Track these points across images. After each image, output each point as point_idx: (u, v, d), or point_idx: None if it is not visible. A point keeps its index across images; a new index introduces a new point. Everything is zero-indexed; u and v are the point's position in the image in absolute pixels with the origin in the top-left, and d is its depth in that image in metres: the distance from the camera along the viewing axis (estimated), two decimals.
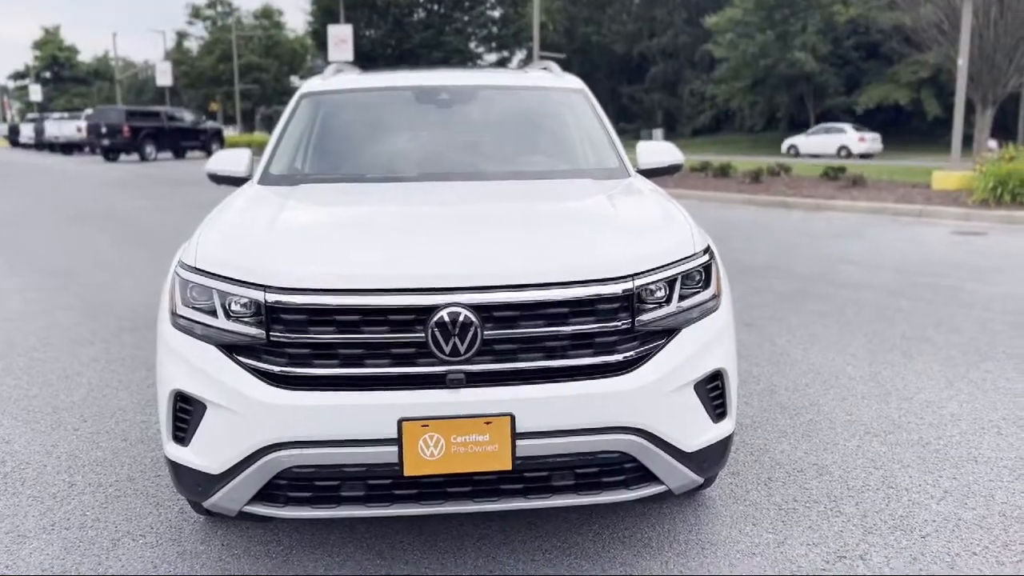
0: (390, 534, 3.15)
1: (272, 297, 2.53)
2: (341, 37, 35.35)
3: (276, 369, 2.53)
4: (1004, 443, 3.93)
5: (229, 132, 45.25)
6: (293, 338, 2.52)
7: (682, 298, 2.73)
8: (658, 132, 56.42)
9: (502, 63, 43.09)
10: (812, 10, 41.69)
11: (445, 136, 4.06)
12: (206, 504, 2.72)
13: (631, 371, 2.59)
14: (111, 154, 34.39)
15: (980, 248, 10.16)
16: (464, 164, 3.83)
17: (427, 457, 2.48)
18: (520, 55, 45.42)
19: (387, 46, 37.65)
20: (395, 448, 2.47)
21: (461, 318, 2.48)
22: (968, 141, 24.60)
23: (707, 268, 2.85)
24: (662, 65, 64.51)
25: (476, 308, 2.49)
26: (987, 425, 4.16)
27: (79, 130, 39.55)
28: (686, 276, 2.76)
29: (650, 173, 4.03)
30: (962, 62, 15.09)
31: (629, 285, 2.60)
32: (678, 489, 2.74)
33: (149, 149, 34.43)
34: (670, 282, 2.70)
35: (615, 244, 2.74)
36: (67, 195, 18.64)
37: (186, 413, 2.70)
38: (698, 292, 2.79)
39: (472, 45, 41.08)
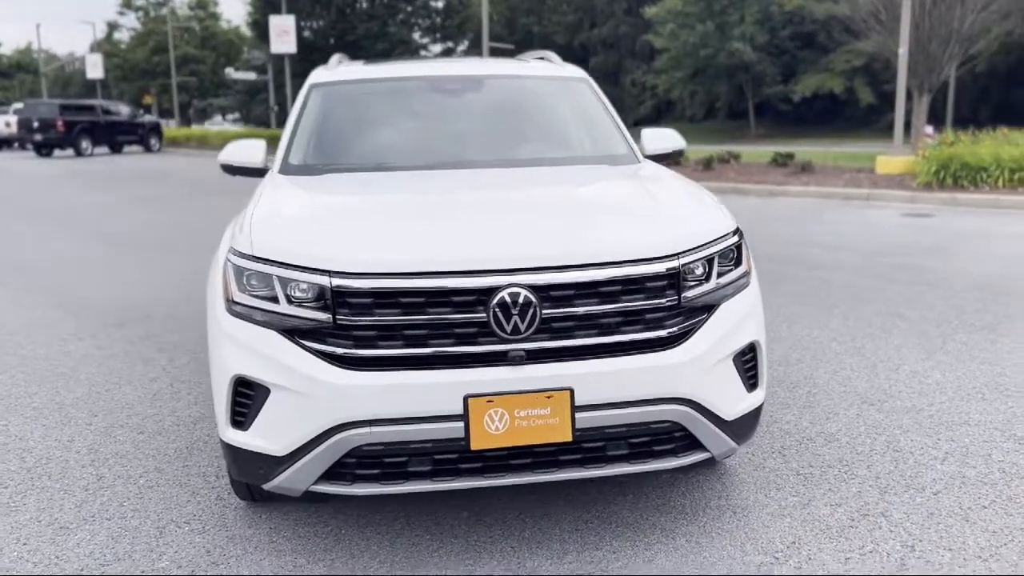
0: (436, 509, 3.25)
1: (337, 282, 2.61)
2: (283, 28, 34.85)
3: (342, 351, 2.61)
4: (990, 407, 4.20)
5: (168, 126, 44.19)
6: (359, 321, 2.61)
7: (719, 275, 2.89)
8: None
9: (447, 54, 43.02)
10: (750, 0, 42.45)
11: (460, 125, 4.15)
12: (268, 486, 2.78)
13: (678, 345, 2.74)
14: (44, 149, 33.28)
15: (930, 229, 10.62)
16: (483, 152, 3.93)
17: (492, 431, 2.59)
18: (463, 47, 45.40)
19: (330, 37, 37.23)
20: (461, 424, 2.58)
21: (521, 298, 2.59)
22: (906, 128, 25.52)
23: (739, 247, 3.02)
24: (603, 56, 64.93)
25: (534, 288, 2.61)
26: (971, 391, 4.43)
27: (8, 125, 38.16)
28: (722, 255, 2.92)
29: (655, 159, 4.19)
30: (902, 51, 15.65)
31: (675, 264, 2.75)
32: (719, 456, 2.90)
33: (85, 144, 33.43)
34: (709, 260, 2.86)
35: (659, 225, 2.88)
36: (7, 193, 18.08)
37: (246, 398, 2.76)
38: (732, 269, 2.96)
39: (416, 36, 40.91)
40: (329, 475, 2.67)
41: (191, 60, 58.67)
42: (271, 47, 35.36)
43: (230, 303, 2.81)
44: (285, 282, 2.69)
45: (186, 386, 4.85)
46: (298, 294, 2.67)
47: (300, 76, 38.60)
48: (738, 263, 3.00)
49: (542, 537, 3.04)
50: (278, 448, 2.70)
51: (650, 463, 2.77)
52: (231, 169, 4.05)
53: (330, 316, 2.62)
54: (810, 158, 18.06)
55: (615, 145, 4.09)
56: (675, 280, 2.75)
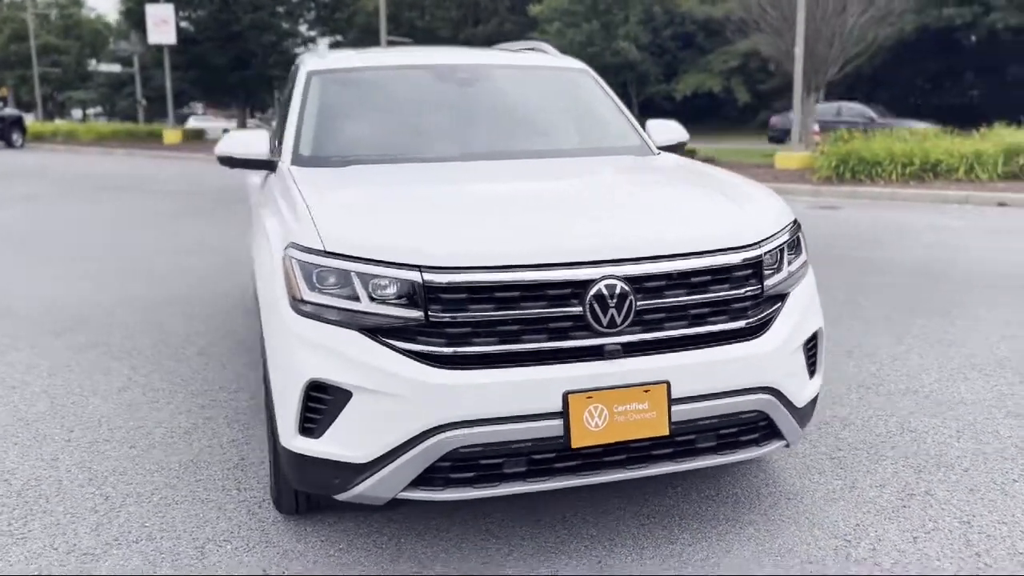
0: (488, 513, 3.14)
1: (430, 277, 2.47)
2: (162, 17, 33.16)
3: (436, 349, 2.48)
4: (976, 386, 4.43)
5: (30, 119, 41.27)
6: (452, 317, 2.48)
7: (788, 263, 2.91)
8: None
9: (337, 46, 42.05)
10: (634, 1, 43.49)
11: (475, 115, 4.03)
12: (345, 496, 2.62)
13: (762, 334, 2.74)
14: None
15: (846, 220, 11.15)
16: (506, 143, 3.83)
17: (592, 428, 2.52)
18: (351, 40, 44.41)
19: (213, 28, 35.63)
20: (560, 421, 2.50)
21: (617, 290, 2.53)
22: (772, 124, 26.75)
23: (800, 236, 3.05)
24: None
25: (629, 279, 2.55)
26: (953, 372, 4.66)
27: None
28: (789, 243, 2.94)
29: (665, 150, 4.19)
30: (798, 51, 16.39)
31: (758, 252, 2.75)
32: (792, 443, 2.92)
33: None
34: (781, 249, 2.87)
35: (739, 215, 2.88)
36: None
37: (320, 403, 2.58)
38: (796, 257, 2.99)
39: (303, 28, 39.77)
40: (419, 481, 2.53)
41: (53, 50, 55.07)
42: (148, 37, 33.59)
43: (297, 302, 2.62)
44: (366, 278, 2.52)
45: (164, 395, 4.52)
46: (381, 291, 2.51)
47: (181, 69, 36.95)
48: (799, 251, 3.03)
49: (611, 535, 2.99)
50: (359, 455, 2.54)
51: (736, 453, 2.77)
52: (231, 161, 3.78)
53: (422, 313, 2.48)
54: (713, 154, 18.64)
55: (630, 136, 4.08)
56: (758, 269, 2.76)
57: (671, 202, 3.02)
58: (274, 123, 5.63)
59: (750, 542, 2.92)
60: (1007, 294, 6.51)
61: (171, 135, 32.95)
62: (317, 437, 2.60)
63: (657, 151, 4.02)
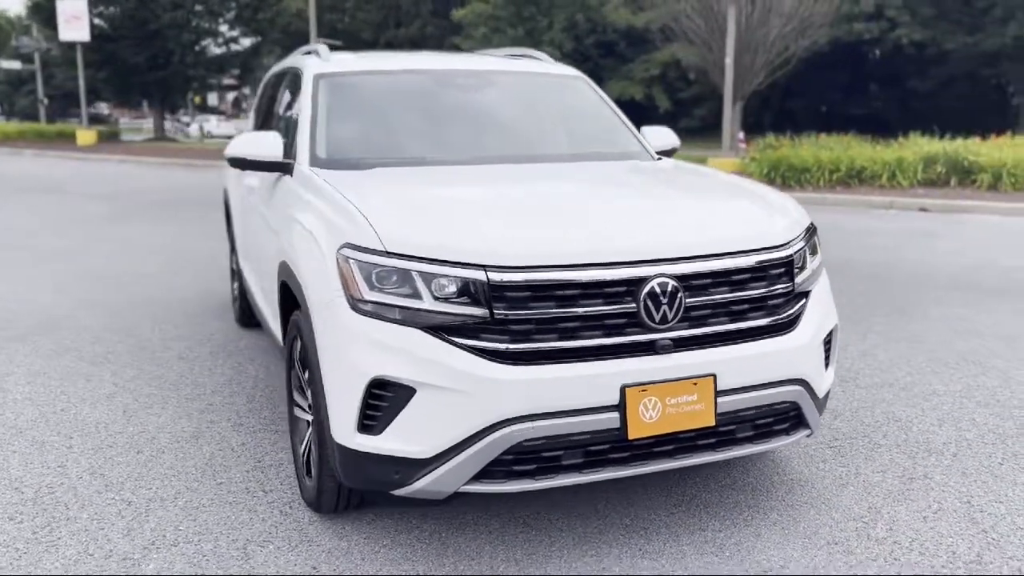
0: (527, 504, 3.22)
1: (495, 275, 2.55)
2: (74, 14, 31.96)
3: (500, 346, 2.55)
4: (944, 379, 4.74)
5: None
6: (516, 314, 2.56)
7: (810, 262, 3.10)
8: None
9: (257, 49, 41.09)
10: (557, 8, 44.05)
11: (482, 119, 4.11)
12: (404, 491, 2.67)
13: (792, 329, 2.92)
14: None
15: None
16: (515, 146, 3.93)
17: (647, 420, 2.64)
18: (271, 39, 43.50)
19: (129, 25, 34.37)
20: (616, 414, 2.61)
21: (669, 287, 2.66)
22: (707, 131, 27.51)
23: (816, 237, 3.24)
24: None
25: (678, 277, 2.69)
26: (922, 367, 4.97)
27: None
28: (809, 243, 3.12)
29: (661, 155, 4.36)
30: (729, 60, 16.97)
31: (789, 252, 2.93)
32: (815, 432, 3.10)
33: None
34: (804, 249, 3.06)
35: (766, 216, 3.05)
36: None
37: (381, 400, 2.62)
38: (816, 256, 3.17)
39: (224, 28, 38.76)
40: (481, 474, 2.60)
41: None
42: (59, 34, 32.33)
43: (356, 301, 2.66)
44: (428, 277, 2.59)
45: (157, 400, 4.44)
46: (443, 289, 2.58)
47: (93, 67, 35.48)
48: (816, 252, 3.22)
49: (644, 524, 3.11)
50: (422, 450, 2.59)
51: (769, 442, 2.93)
52: (242, 163, 3.76)
53: (487, 311, 2.55)
54: None
55: (631, 141, 4.23)
56: (789, 267, 2.93)
57: (706, 204, 3.16)
58: (244, 126, 5.59)
59: (776, 527, 3.08)
60: (951, 294, 6.93)
61: (85, 136, 31.73)
62: (377, 434, 2.65)
63: (657, 156, 4.18)
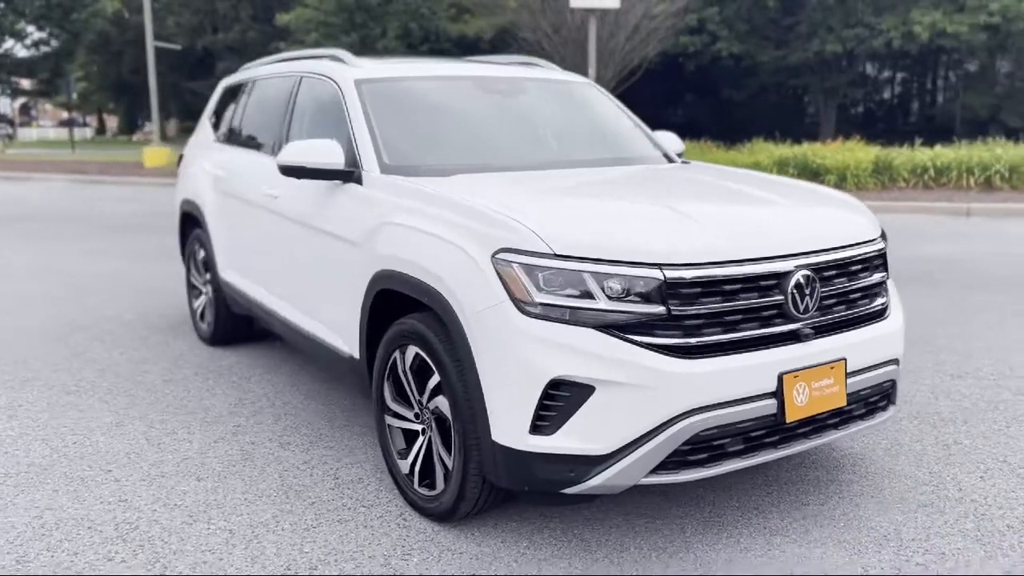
0: (638, 499, 3.33)
1: (671, 274, 2.66)
2: None
3: (675, 341, 2.67)
4: (913, 356, 5.26)
5: None
6: (688, 310, 2.69)
7: None
8: None
9: (70, 52, 38.01)
10: (390, 16, 43.87)
11: (525, 125, 4.18)
12: (577, 488, 2.72)
13: (888, 315, 3.22)
14: None
15: None
16: (566, 151, 4.06)
17: (798, 404, 2.84)
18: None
19: None
20: (774, 400, 2.79)
21: (809, 279, 2.88)
22: None
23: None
24: (230, 62, 62.24)
25: (814, 269, 2.92)
26: None
27: None
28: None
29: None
30: (592, 72, 17.62)
31: (882, 244, 3.24)
32: (897, 408, 3.41)
33: None
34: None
35: (855, 213, 3.34)
36: None
37: (556, 400, 2.67)
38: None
39: (30, 28, 35.50)
40: (658, 465, 2.70)
41: None
42: None
43: (525, 304, 2.69)
44: (600, 278, 2.66)
45: (175, 425, 4.18)
46: (616, 289, 2.66)
47: None
48: None
49: (753, 506, 3.31)
50: (600, 447, 2.66)
51: (874, 418, 3.21)
52: (300, 171, 3.63)
53: (663, 308, 2.66)
54: None
55: (649, 146, 4.43)
56: (884, 258, 3.24)
57: (806, 204, 3.39)
58: (226, 130, 5.33)
59: (866, 496, 3.37)
60: None
61: None
62: (550, 434, 2.69)
63: (677, 159, 4.41)
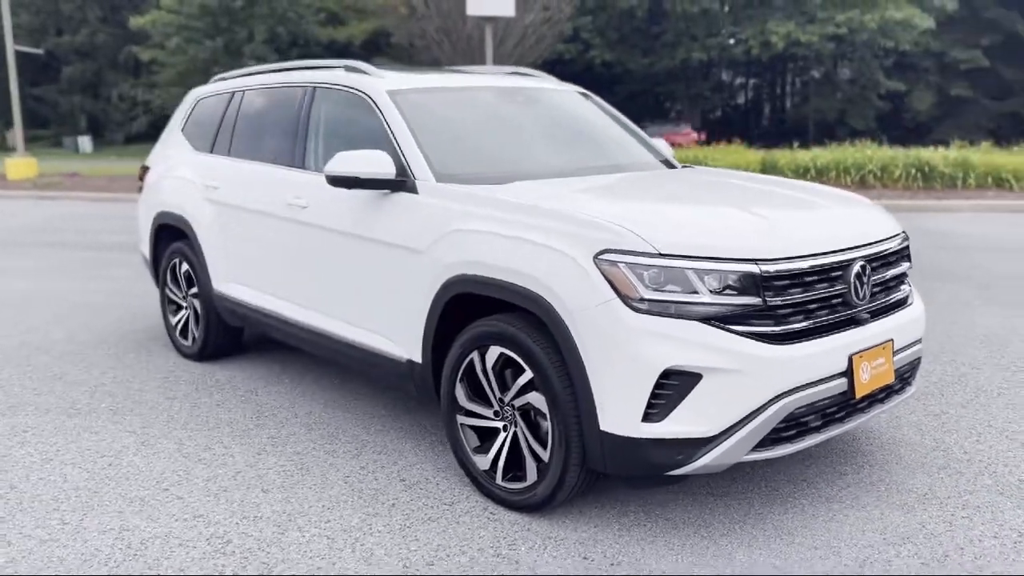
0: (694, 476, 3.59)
1: (766, 268, 2.94)
2: None
3: (769, 329, 2.95)
4: None
5: None
6: (779, 300, 2.98)
7: None
8: (84, 140, 52.08)
9: None
10: (256, 20, 42.75)
11: (551, 134, 4.37)
12: (683, 470, 2.95)
13: (912, 300, 3.63)
14: None
15: None
16: (595, 159, 4.27)
17: (863, 382, 3.18)
18: None
19: None
20: (845, 379, 3.12)
21: (865, 269, 3.24)
22: None
23: None
24: (79, 65, 59.00)
25: (868, 260, 3.28)
26: None
27: None
28: None
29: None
30: None
31: (906, 237, 3.63)
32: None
33: None
34: None
35: (878, 210, 3.72)
36: None
37: (664, 389, 2.89)
38: None
39: None
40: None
41: None
42: None
43: (633, 301, 2.89)
44: (702, 274, 2.91)
45: (208, 441, 4.12)
46: (716, 283, 2.91)
47: None
48: None
49: (812, 491, 3.64)
50: (707, 429, 2.90)
51: (906, 392, 3.60)
52: (350, 181, 3.69)
53: (760, 299, 2.94)
54: None
55: (652, 151, 4.72)
56: (908, 250, 3.63)
57: (841, 203, 3.73)
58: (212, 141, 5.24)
59: (902, 462, 3.76)
60: None
61: None
62: (659, 421, 2.91)
63: (678, 165, 4.73)
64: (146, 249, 5.88)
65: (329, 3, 44.39)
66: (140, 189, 6.01)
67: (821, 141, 22.31)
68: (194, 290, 5.34)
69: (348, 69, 4.43)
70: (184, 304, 5.50)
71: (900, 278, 3.55)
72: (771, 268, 2.96)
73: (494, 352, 3.31)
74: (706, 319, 2.90)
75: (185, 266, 5.38)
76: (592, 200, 3.42)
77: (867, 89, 39.25)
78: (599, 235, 3.01)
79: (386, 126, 3.92)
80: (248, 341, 5.68)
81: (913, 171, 15.07)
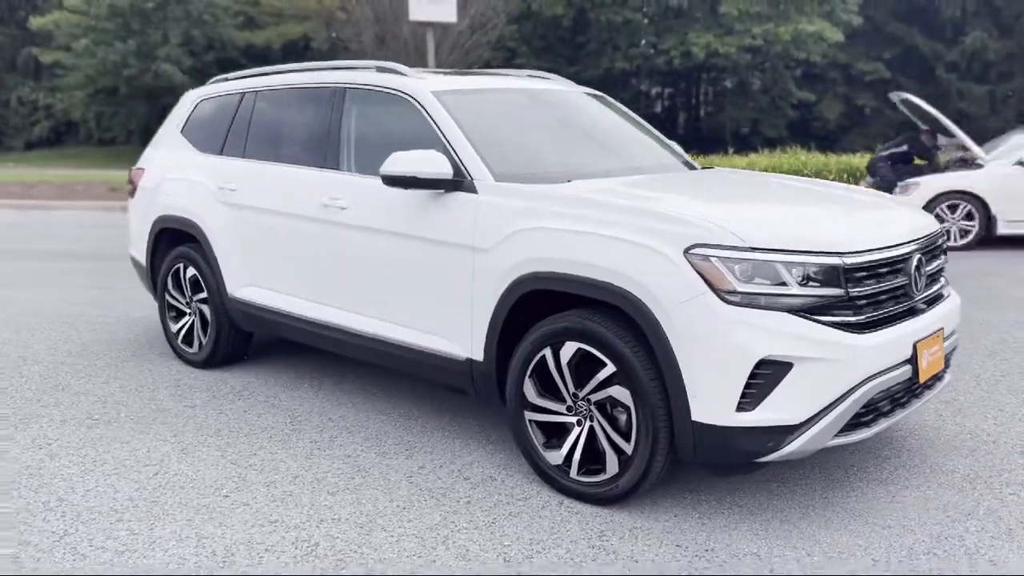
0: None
1: (849, 260, 3.08)
2: None
3: (851, 319, 3.10)
4: None
5: None
6: (859, 291, 3.13)
7: None
8: None
9: None
10: (171, 23, 41.48)
11: (591, 135, 4.46)
12: (772, 456, 3.07)
13: (950, 291, 3.84)
14: None
15: None
16: (631, 159, 4.37)
17: (924, 368, 3.36)
18: None
19: None
20: (910, 366, 3.29)
21: (922, 262, 3.42)
22: None
23: None
24: None
25: (922, 253, 3.47)
26: None
27: None
28: None
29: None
30: None
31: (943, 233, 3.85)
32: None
33: None
34: None
35: (914, 208, 3.92)
36: None
37: (757, 378, 3.00)
38: None
39: None
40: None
41: None
42: None
43: (726, 293, 2.99)
44: (790, 267, 3.03)
45: (251, 448, 4.02)
46: (803, 276, 3.04)
47: None
48: None
49: (857, 487, 3.80)
50: (795, 416, 3.02)
51: (945, 379, 3.80)
52: (408, 181, 3.68)
53: (843, 291, 3.08)
54: None
55: (672, 154, 4.84)
56: (944, 245, 3.85)
57: (884, 202, 3.92)
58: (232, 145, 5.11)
59: (932, 447, 3.97)
60: None
61: None
62: (751, 409, 3.01)
63: (697, 165, 4.87)
64: (140, 254, 5.67)
65: (245, 7, 43.45)
66: (131, 192, 5.79)
67: (739, 149, 23.05)
68: (202, 295, 5.19)
69: (380, 70, 4.40)
70: (188, 310, 5.34)
71: (942, 271, 3.76)
72: (852, 260, 3.10)
73: (570, 347, 3.35)
74: (794, 310, 3.01)
75: (191, 271, 5.22)
76: (668, 197, 3.52)
77: (779, 99, 40.69)
78: (688, 231, 3.09)
79: (435, 127, 3.92)
80: (260, 345, 5.56)
81: (844, 175, 15.73)
